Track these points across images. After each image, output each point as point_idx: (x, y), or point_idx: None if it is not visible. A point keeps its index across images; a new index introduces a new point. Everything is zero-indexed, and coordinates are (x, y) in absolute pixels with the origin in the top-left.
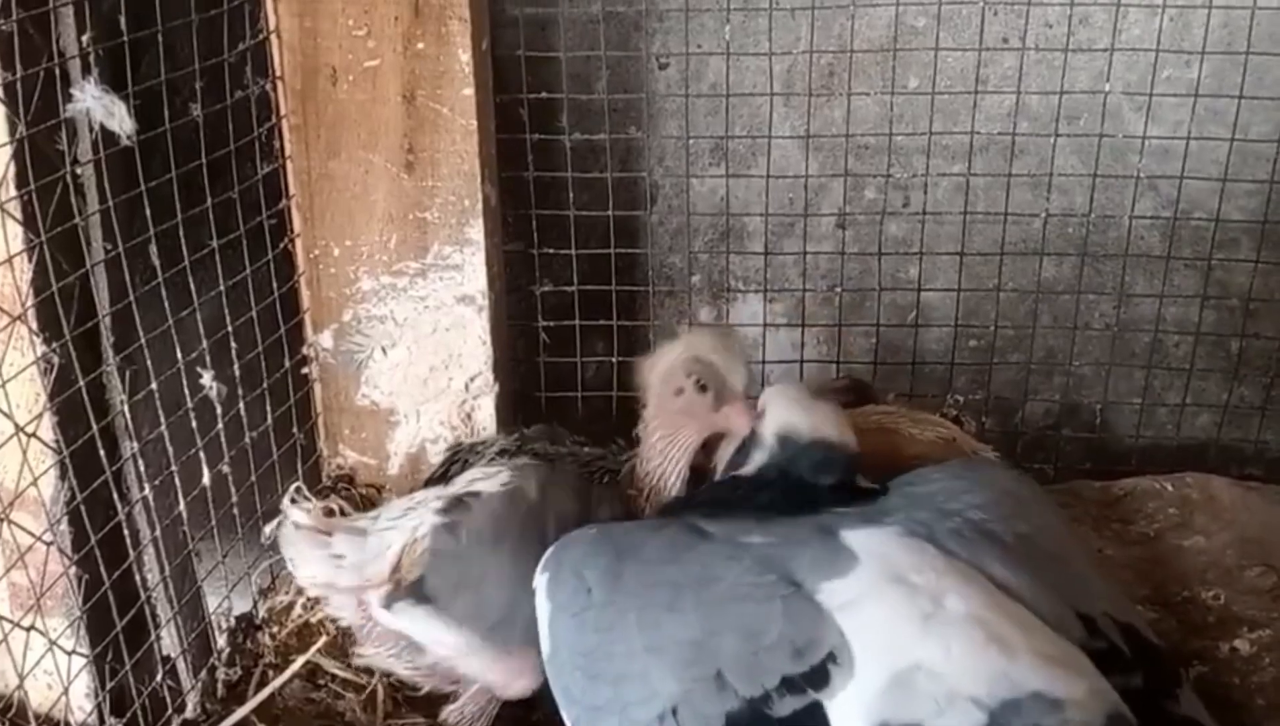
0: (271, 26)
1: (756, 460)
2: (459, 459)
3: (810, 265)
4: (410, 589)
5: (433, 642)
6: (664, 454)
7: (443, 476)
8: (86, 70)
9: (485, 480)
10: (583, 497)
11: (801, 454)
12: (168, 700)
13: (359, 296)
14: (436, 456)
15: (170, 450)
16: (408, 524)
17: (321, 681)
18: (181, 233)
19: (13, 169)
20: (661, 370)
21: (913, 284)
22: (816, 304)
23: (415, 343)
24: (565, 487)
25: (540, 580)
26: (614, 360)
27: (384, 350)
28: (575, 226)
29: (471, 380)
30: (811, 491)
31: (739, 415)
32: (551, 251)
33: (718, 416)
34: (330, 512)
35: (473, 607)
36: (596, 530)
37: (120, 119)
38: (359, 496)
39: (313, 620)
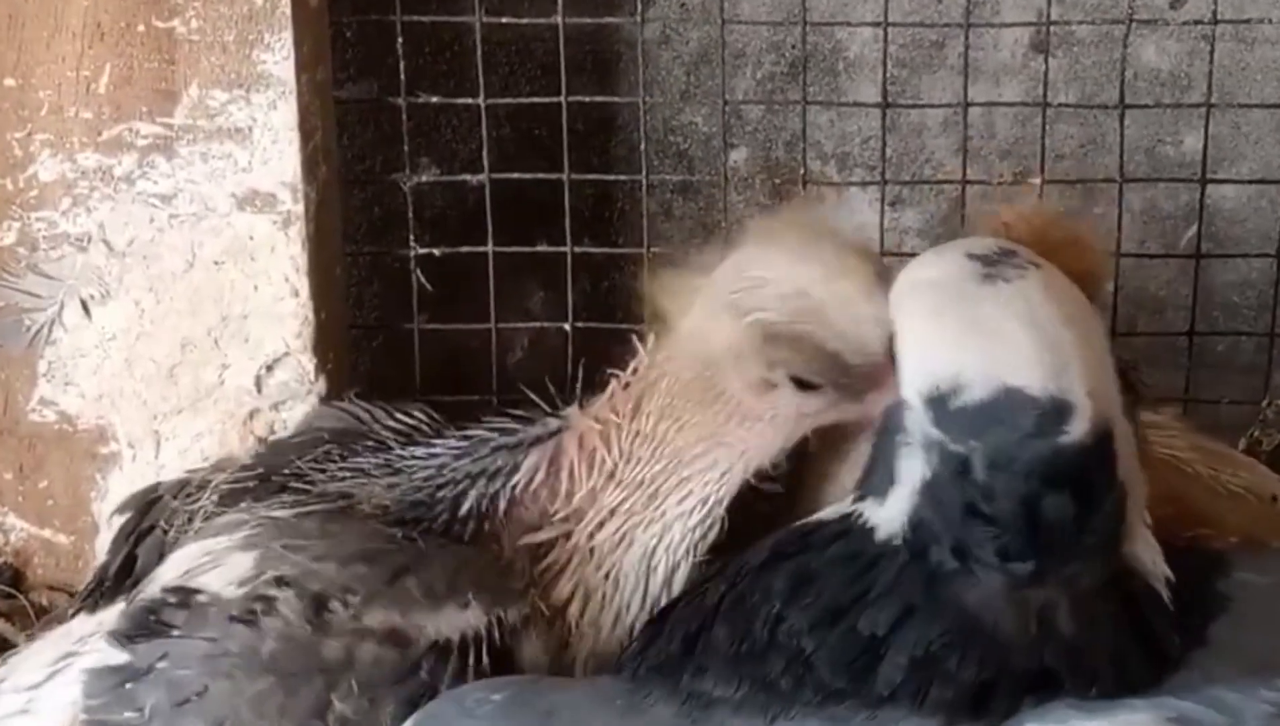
0: None
1: (895, 502)
2: (153, 525)
3: (977, 128)
4: None
5: None
6: (664, 475)
7: (123, 574)
8: None
9: (206, 566)
10: (388, 560)
11: (994, 492)
12: None
13: (33, 194)
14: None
15: None
16: (58, 695)
17: None
18: None
19: None
20: (712, 353)
21: (1193, 167)
22: (988, 210)
23: (151, 291)
24: (356, 542)
25: None
26: (568, 326)
27: (85, 307)
28: (486, 50)
29: (268, 368)
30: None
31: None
32: (437, 101)
33: (857, 408)
34: None
35: None
36: (506, 695)
37: None
38: (35, 610)
39: None
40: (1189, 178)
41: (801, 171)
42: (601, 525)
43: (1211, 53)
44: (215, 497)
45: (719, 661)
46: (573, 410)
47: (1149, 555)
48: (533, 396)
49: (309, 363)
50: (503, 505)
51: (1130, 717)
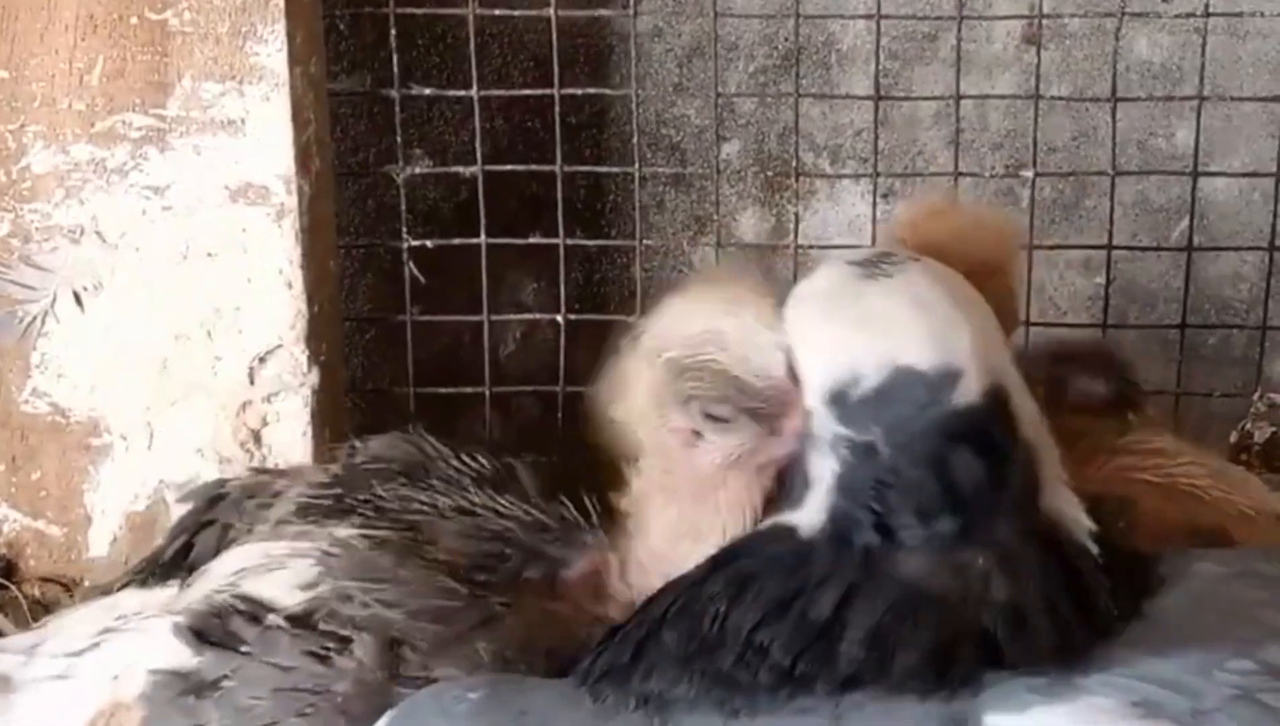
0: None
1: (813, 500)
2: (215, 519)
3: (970, 121)
4: None
5: None
6: (674, 546)
7: (178, 559)
8: None
9: (269, 573)
10: (456, 619)
11: (900, 465)
12: None
13: (26, 186)
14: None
15: None
16: (99, 667)
17: None
18: None
19: None
20: (638, 407)
21: (1185, 160)
22: (980, 203)
23: (143, 283)
24: (428, 595)
25: None
26: (560, 318)
27: (78, 298)
28: (478, 40)
29: (261, 360)
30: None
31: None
32: (430, 94)
33: (779, 442)
34: None
35: None
36: (480, 694)
37: None
38: (28, 602)
39: None
40: (1181, 171)
41: (794, 164)
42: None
43: (1204, 46)
44: (291, 507)
45: (669, 662)
46: (602, 538)
47: (1071, 510)
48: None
49: (302, 354)
50: (556, 586)
51: (1093, 701)
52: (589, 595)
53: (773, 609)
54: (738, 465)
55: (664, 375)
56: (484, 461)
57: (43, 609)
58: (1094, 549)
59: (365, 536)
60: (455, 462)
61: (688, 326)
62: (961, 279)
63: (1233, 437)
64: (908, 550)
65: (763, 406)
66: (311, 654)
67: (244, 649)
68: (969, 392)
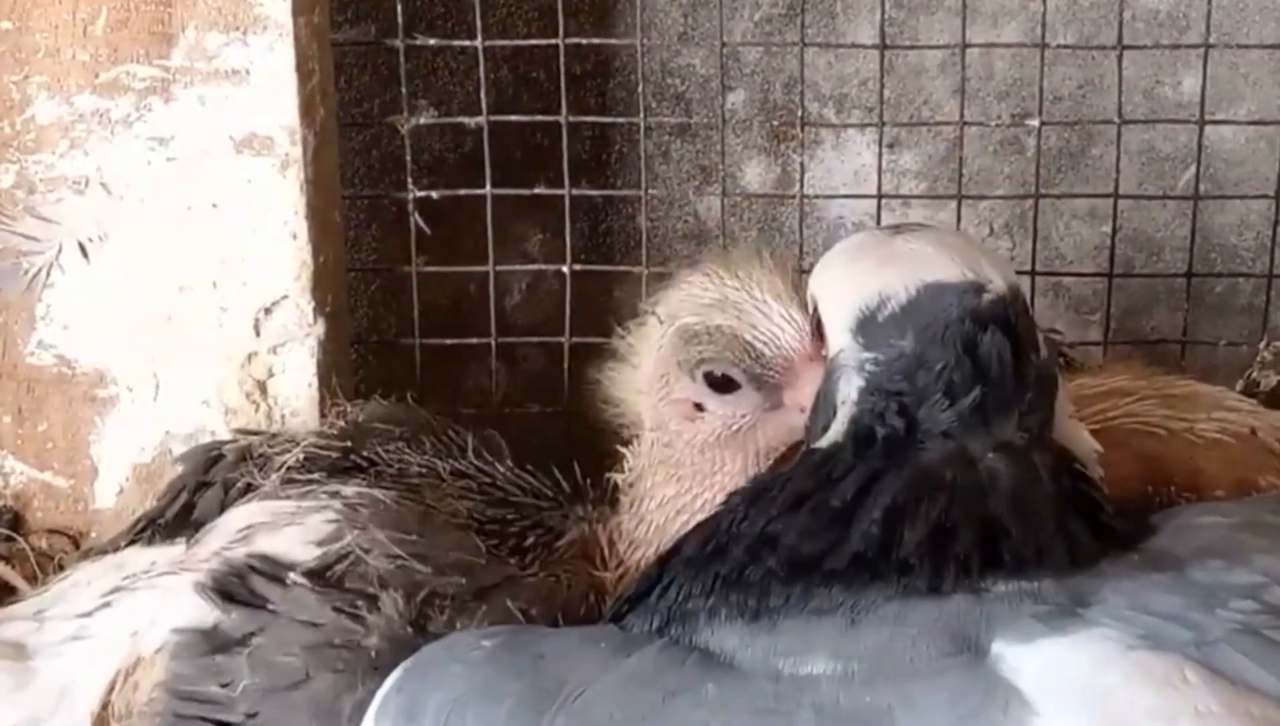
0: None
1: (838, 421)
2: (212, 479)
3: (975, 69)
4: None
5: None
6: (672, 522)
7: (181, 515)
8: None
9: (281, 529)
10: (480, 575)
11: (929, 353)
12: None
13: (30, 137)
14: None
15: None
16: (117, 625)
17: None
18: None
19: None
20: (645, 377)
21: (1191, 108)
22: (986, 152)
23: (148, 235)
24: (453, 550)
25: None
26: (566, 268)
27: (83, 250)
28: None
29: (267, 311)
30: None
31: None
32: (435, 44)
33: (779, 417)
34: None
35: None
36: (496, 641)
37: None
38: (35, 554)
39: None
40: (1187, 119)
41: (799, 113)
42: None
43: None
44: (296, 461)
45: (685, 570)
46: (597, 511)
47: (1080, 437)
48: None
49: (307, 305)
50: (552, 555)
51: (1098, 633)
52: (586, 562)
53: (790, 504)
54: (736, 439)
55: (673, 342)
56: (474, 435)
57: (49, 561)
58: (1100, 472)
59: (370, 488)
60: (450, 433)
61: (699, 296)
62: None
63: (1239, 386)
64: (928, 439)
65: (769, 373)
66: (340, 610)
67: (270, 607)
68: (995, 293)
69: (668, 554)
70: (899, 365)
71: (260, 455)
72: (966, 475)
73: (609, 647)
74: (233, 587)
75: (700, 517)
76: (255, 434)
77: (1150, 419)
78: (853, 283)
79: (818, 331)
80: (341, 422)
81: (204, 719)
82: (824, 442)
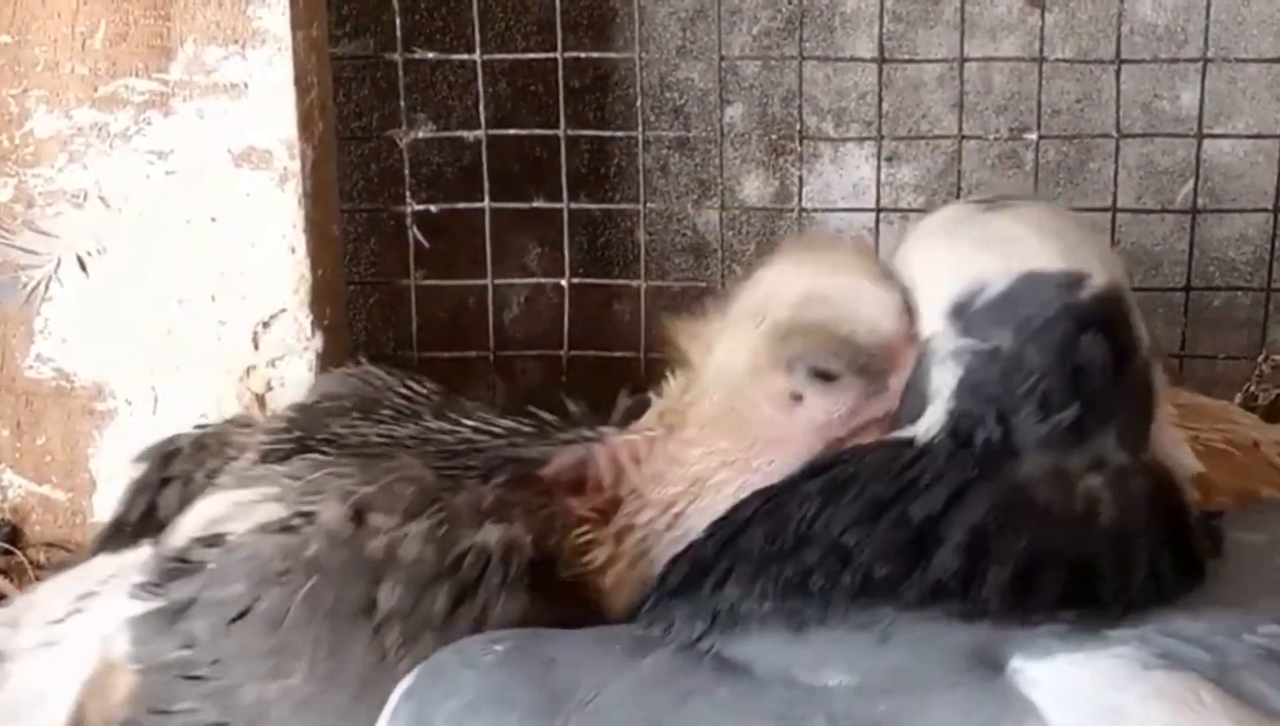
0: None
1: (932, 411)
2: (173, 476)
3: (974, 83)
4: None
5: None
6: (714, 473)
7: (145, 519)
8: None
9: (237, 508)
10: (427, 486)
11: (1027, 353)
12: None
13: (29, 151)
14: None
15: None
16: (84, 631)
17: None
18: None
19: None
20: (732, 370)
21: (1189, 122)
22: (984, 166)
23: (147, 248)
24: (419, 513)
25: None
26: (564, 282)
27: (81, 263)
28: (482, 4)
29: (265, 325)
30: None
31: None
32: (434, 58)
33: (882, 402)
34: None
35: None
36: (508, 646)
37: None
38: (33, 567)
39: None
40: (1185, 133)
41: (798, 127)
42: (623, 536)
43: (1208, 7)
44: (252, 455)
45: (748, 565)
46: (608, 429)
47: (1176, 450)
48: (571, 406)
49: (306, 319)
50: (530, 485)
51: (1118, 651)
52: (569, 489)
53: (868, 510)
54: (834, 425)
55: (768, 340)
56: (430, 387)
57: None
58: (1193, 493)
59: (342, 458)
60: (404, 390)
61: (790, 289)
62: (1079, 217)
63: (1237, 399)
64: (1024, 451)
65: (872, 362)
66: (276, 530)
67: (209, 566)
68: (1098, 285)
69: (720, 536)
70: (996, 365)
71: (218, 446)
72: (1062, 498)
73: (622, 650)
74: (172, 569)
75: (745, 474)
76: (209, 425)
77: None
78: (948, 266)
79: (910, 310)
80: (290, 410)
81: (179, 678)
82: (915, 433)
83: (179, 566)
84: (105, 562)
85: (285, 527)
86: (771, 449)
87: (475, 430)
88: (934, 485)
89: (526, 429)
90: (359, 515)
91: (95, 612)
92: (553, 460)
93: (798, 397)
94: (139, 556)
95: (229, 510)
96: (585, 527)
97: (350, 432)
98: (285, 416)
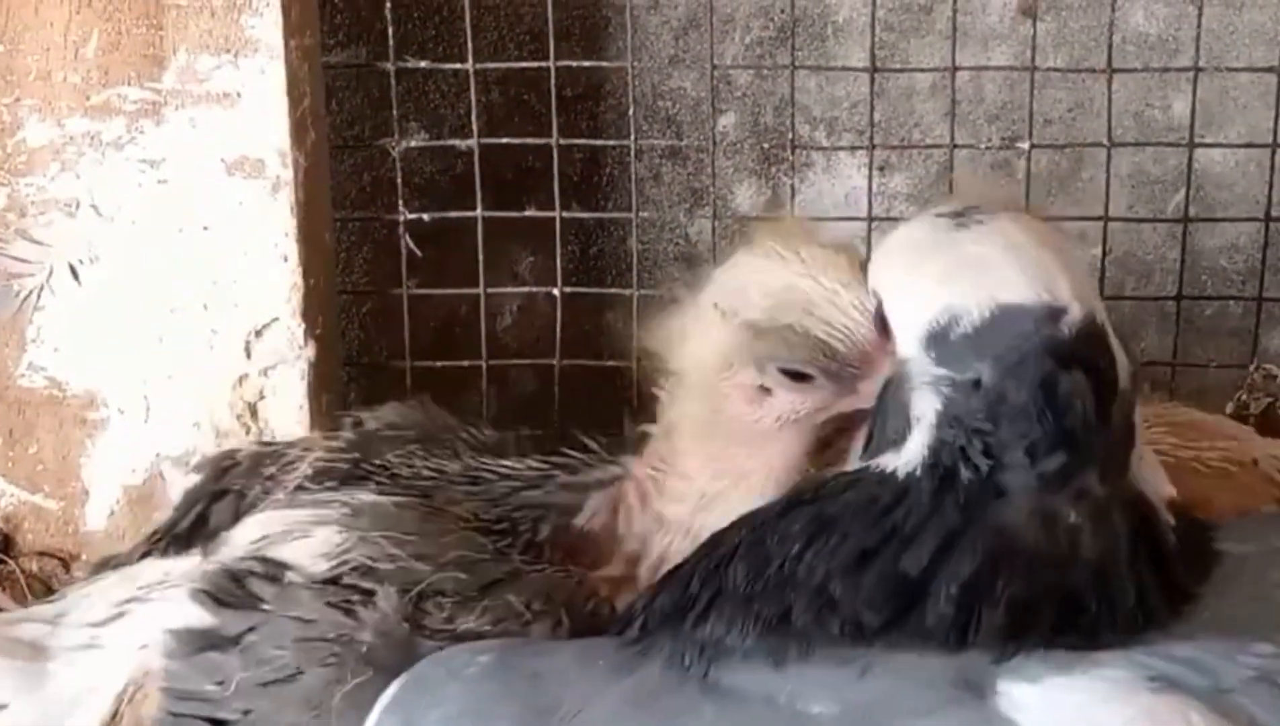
0: None
1: (914, 440)
2: (228, 488)
3: (965, 92)
4: None
5: None
6: (712, 491)
7: (196, 528)
8: None
9: (293, 540)
10: (482, 571)
11: (1008, 389)
12: None
13: (21, 159)
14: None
15: None
16: (125, 636)
17: None
18: None
19: None
20: (700, 359)
21: (1181, 131)
22: (976, 174)
23: (139, 257)
24: (454, 549)
25: None
26: (557, 291)
27: (74, 272)
28: (474, 13)
29: (257, 333)
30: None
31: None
32: (426, 66)
33: (845, 403)
34: None
35: None
36: (491, 657)
37: None
38: (25, 576)
39: None
40: (1177, 142)
41: (790, 136)
42: (655, 569)
43: (1200, 16)
44: (308, 472)
45: (730, 602)
46: (630, 459)
47: (1154, 477)
48: (588, 439)
49: (298, 328)
50: (570, 539)
51: (1108, 674)
52: (607, 538)
53: (853, 558)
54: (801, 421)
55: (741, 336)
56: (482, 430)
57: (40, 583)
58: (1171, 520)
59: (380, 495)
60: (459, 431)
61: (764, 285)
62: (1052, 228)
63: (1229, 409)
64: (1008, 492)
65: (845, 369)
66: (334, 605)
67: (264, 606)
68: (1075, 319)
69: (703, 568)
70: (977, 399)
71: (275, 462)
72: (1048, 539)
73: (607, 666)
74: (228, 589)
75: (743, 482)
76: (270, 443)
77: (1161, 447)
78: (922, 291)
79: (882, 324)
80: (350, 433)
81: (199, 717)
82: (897, 463)
83: (235, 592)
84: (153, 568)
85: (342, 603)
86: (752, 449)
87: (516, 473)
88: (920, 534)
89: (563, 473)
90: (416, 606)
91: (137, 618)
92: (585, 506)
93: (766, 391)
94: (187, 564)
95: (282, 528)
96: (616, 594)
97: (402, 463)
98: (345, 438)
